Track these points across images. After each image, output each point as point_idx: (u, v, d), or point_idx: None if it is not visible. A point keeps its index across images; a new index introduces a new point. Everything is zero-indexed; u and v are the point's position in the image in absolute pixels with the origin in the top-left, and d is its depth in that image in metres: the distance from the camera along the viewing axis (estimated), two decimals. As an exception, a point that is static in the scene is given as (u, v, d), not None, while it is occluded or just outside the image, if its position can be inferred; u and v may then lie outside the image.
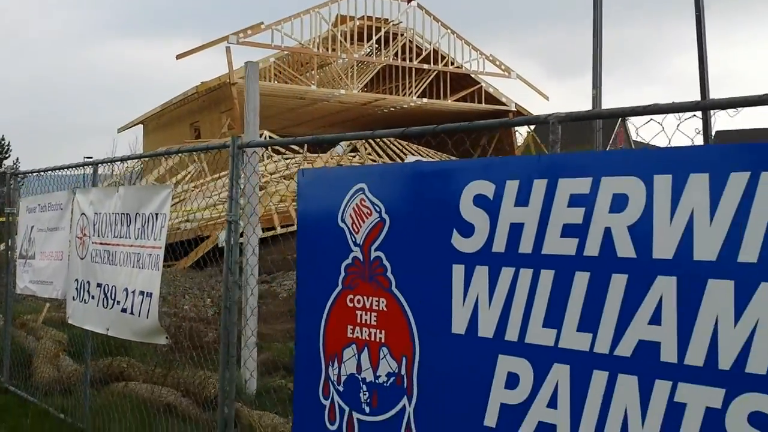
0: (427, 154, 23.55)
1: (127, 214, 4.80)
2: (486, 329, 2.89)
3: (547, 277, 2.73)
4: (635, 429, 2.48)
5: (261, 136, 26.44)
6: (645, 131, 3.00)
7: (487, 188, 2.91)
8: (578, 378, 2.63)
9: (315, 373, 3.54)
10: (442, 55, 32.08)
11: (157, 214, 4.47)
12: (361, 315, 3.34)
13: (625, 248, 2.54)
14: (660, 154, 2.55)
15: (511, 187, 2.84)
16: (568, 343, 2.66)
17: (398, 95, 31.94)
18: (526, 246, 2.79)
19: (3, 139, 38.67)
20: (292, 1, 31.13)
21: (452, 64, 32.27)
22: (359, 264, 3.35)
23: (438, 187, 3.08)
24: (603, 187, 2.60)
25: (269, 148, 25.83)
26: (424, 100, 32.00)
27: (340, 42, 30.13)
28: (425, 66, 31.75)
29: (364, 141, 21.13)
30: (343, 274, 3.42)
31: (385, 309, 3.25)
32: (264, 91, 29.46)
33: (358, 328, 3.36)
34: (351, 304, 3.39)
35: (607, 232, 2.58)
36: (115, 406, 5.75)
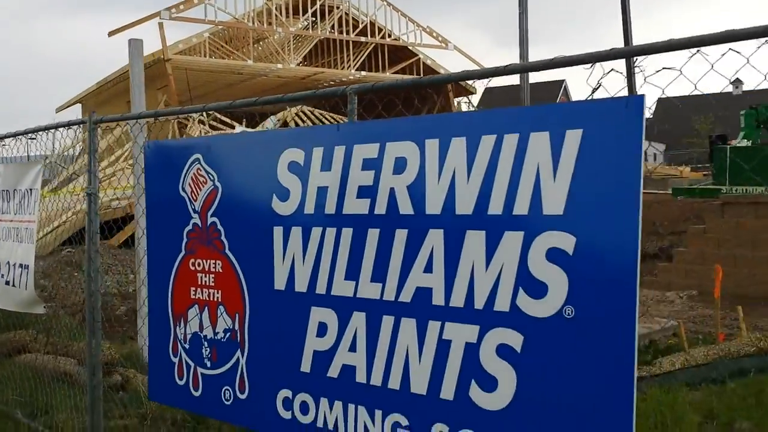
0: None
1: (6, 190, 4.98)
2: (301, 284, 3.18)
3: (347, 234, 3.03)
4: (414, 365, 2.80)
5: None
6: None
7: (298, 155, 3.18)
8: (372, 324, 2.95)
9: (165, 334, 3.80)
10: (379, 27, 32.19)
11: (31, 189, 4.66)
12: (201, 277, 3.61)
13: (405, 206, 2.84)
14: (430, 119, 2.87)
15: (317, 153, 3.12)
16: (363, 293, 2.97)
17: (337, 68, 32.01)
18: (330, 207, 3.08)
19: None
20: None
21: (389, 36, 32.42)
22: (198, 229, 3.60)
23: (260, 156, 3.35)
24: (388, 151, 2.90)
25: (207, 118, 25.84)
26: (363, 73, 32.14)
27: (276, 16, 30.04)
28: (362, 39, 31.84)
29: (295, 114, 21.29)
30: (185, 239, 3.68)
31: (220, 270, 3.52)
32: (200, 66, 29.46)
33: (199, 290, 3.63)
34: (192, 268, 3.65)
35: (392, 192, 2.88)
36: (14, 376, 5.94)
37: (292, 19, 30.94)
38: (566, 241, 2.43)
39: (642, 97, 2.35)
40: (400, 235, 2.86)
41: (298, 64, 32.20)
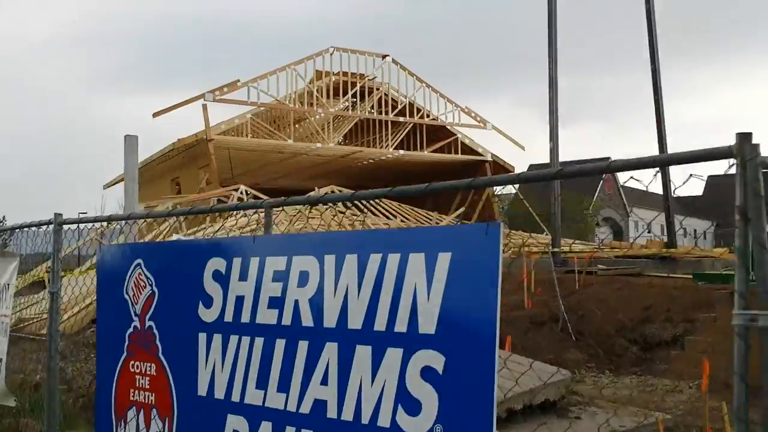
0: (392, 207, 23.88)
1: (-14, 284, 5.21)
2: (219, 391, 3.28)
3: (259, 343, 3.13)
4: (310, 477, 2.85)
5: (237, 190, 26.99)
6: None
7: (221, 264, 3.32)
8: (276, 433, 3.01)
9: None
10: (417, 107, 32.75)
11: (7, 285, 4.88)
12: (139, 379, 3.73)
13: (307, 318, 2.94)
14: (329, 236, 2.98)
15: (237, 263, 3.25)
16: (271, 402, 3.05)
17: (375, 147, 32.54)
18: (246, 316, 3.19)
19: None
20: (268, 59, 31.92)
21: (428, 116, 32.94)
22: (137, 332, 3.74)
23: (190, 263, 3.49)
24: (294, 264, 3.01)
25: (246, 201, 26.39)
26: (401, 151, 32.59)
27: (317, 97, 30.86)
28: (401, 119, 32.40)
29: (323, 192, 21.59)
30: (127, 341, 3.81)
31: (154, 374, 3.64)
32: (242, 146, 30.25)
33: (137, 392, 3.74)
34: (132, 369, 3.77)
35: (296, 304, 2.99)
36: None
37: (332, 101, 31.71)
38: (437, 360, 2.50)
39: (498, 224, 2.46)
40: (303, 347, 2.95)
41: (338, 144, 32.87)
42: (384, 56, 32.45)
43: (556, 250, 18.95)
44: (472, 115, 33.72)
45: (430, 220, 23.23)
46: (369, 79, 32.39)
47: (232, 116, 30.15)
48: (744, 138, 2.34)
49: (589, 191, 58.15)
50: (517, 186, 41.01)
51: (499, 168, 35.21)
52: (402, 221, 22.10)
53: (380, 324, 2.67)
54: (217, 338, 3.30)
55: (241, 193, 26.86)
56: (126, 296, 3.80)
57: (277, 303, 3.05)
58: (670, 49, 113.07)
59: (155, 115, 28.21)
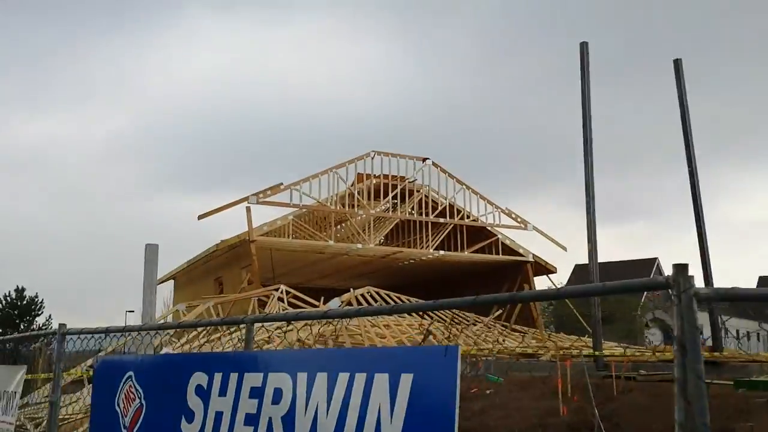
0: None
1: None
2: None
3: (236, 461, 3.11)
4: None
5: (277, 290, 27.15)
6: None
7: (203, 379, 3.35)
8: None
9: None
10: (458, 209, 32.96)
11: (15, 392, 4.96)
12: (126, 491, 3.71)
13: (281, 437, 2.93)
14: (303, 353, 3.00)
15: (217, 378, 3.28)
16: None
17: (416, 248, 32.65)
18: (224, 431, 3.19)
19: (36, 297, 40.27)
20: (311, 162, 32.74)
21: (468, 217, 33.08)
22: (127, 444, 3.75)
23: (175, 377, 3.53)
24: (269, 381, 3.03)
25: (286, 296, 26.55)
26: (442, 252, 32.63)
27: (358, 199, 31.32)
28: (441, 220, 32.59)
29: (360, 295, 21.64)
30: (117, 454, 3.82)
31: (141, 487, 3.62)
32: (283, 246, 30.62)
33: (124, 504, 3.72)
34: (121, 481, 3.76)
35: (270, 421, 2.99)
36: None
37: (373, 202, 32.13)
38: (398, 484, 2.46)
39: (456, 347, 2.47)
40: (275, 466, 2.92)
41: (378, 244, 33.10)
42: (424, 159, 32.96)
43: (596, 353, 18.53)
44: (513, 216, 33.77)
45: (468, 321, 22.98)
46: (409, 181, 32.84)
47: (274, 218, 30.71)
48: (680, 269, 2.34)
49: (637, 293, 56.95)
50: (559, 285, 40.51)
51: (541, 268, 34.96)
52: (438, 321, 21.91)
53: (352, 443, 2.65)
54: (198, 454, 3.29)
55: (281, 293, 27.06)
56: (117, 408, 3.83)
57: (252, 420, 3.06)
58: (720, 149, 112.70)
59: (200, 217, 28.87)
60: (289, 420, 2.90)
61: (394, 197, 32.51)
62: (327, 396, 2.77)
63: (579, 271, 61.66)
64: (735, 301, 2.49)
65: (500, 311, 25.32)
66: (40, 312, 39.84)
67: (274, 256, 30.71)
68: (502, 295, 3.04)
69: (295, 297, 27.25)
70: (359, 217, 32.34)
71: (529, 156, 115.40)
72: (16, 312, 39.29)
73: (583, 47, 21.24)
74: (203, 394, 3.33)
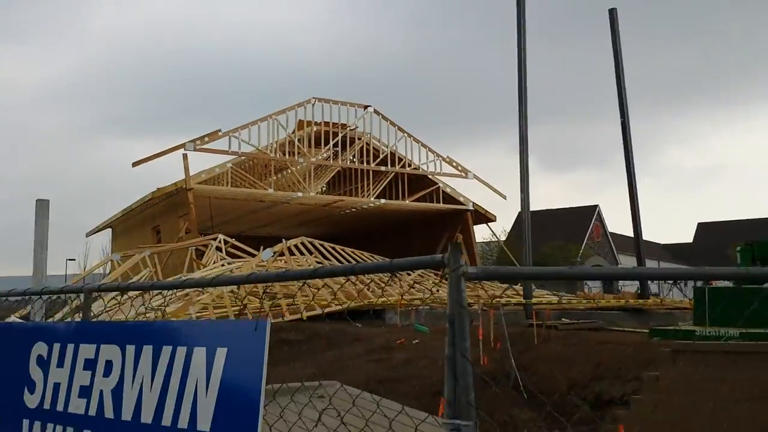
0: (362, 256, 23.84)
1: None
2: (36, 481, 3.20)
3: (70, 433, 3.06)
4: None
5: (216, 239, 26.94)
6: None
7: (43, 349, 3.27)
8: None
9: None
10: (399, 157, 32.92)
11: None
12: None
13: (109, 410, 2.88)
14: (131, 326, 2.93)
15: (56, 349, 3.20)
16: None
17: (358, 196, 32.62)
18: (60, 404, 3.13)
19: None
20: (249, 110, 32.22)
21: (409, 165, 33.09)
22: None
23: (19, 346, 3.44)
24: (102, 353, 2.97)
25: (225, 245, 26.38)
26: (383, 200, 32.65)
27: (298, 147, 31.03)
28: (383, 168, 32.54)
29: (294, 246, 21.59)
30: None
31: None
32: (222, 195, 30.31)
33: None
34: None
35: (101, 394, 2.93)
36: None
37: (314, 150, 31.88)
38: (209, 459, 2.44)
39: (266, 322, 2.44)
40: (103, 439, 2.88)
41: (319, 193, 32.98)
42: (366, 106, 32.73)
43: (524, 302, 18.88)
44: (454, 164, 33.88)
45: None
46: (351, 129, 32.62)
47: (212, 165, 30.28)
48: (453, 248, 2.33)
49: (577, 239, 58.16)
50: (502, 236, 41.06)
51: (481, 217, 35.29)
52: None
53: (167, 419, 2.63)
54: (37, 426, 3.24)
55: (219, 242, 26.85)
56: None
57: (86, 392, 3.00)
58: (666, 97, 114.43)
59: (135, 164, 28.30)
60: (117, 393, 2.85)
61: (335, 145, 32.30)
62: (152, 369, 2.72)
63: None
64: (503, 279, 2.51)
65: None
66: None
67: (213, 204, 30.36)
68: (384, 264, 3.02)
69: (234, 246, 27.09)
70: (300, 166, 32.09)
71: (475, 107, 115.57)
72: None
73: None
74: (43, 364, 3.26)
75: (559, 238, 54.16)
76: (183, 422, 2.55)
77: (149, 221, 33.00)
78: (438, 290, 22.45)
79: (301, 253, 21.38)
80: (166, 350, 2.67)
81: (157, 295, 17.71)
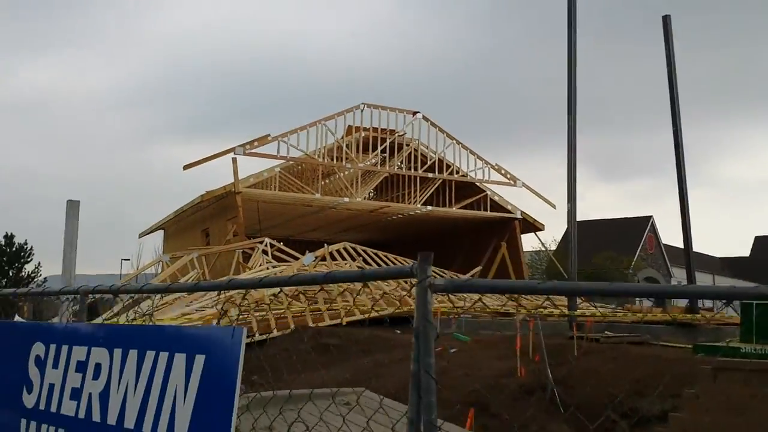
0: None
1: None
2: (31, 480, 3.20)
3: (61, 435, 3.05)
4: None
5: (262, 242, 27.12)
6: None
7: (41, 350, 3.28)
8: None
9: None
10: (447, 164, 32.78)
11: None
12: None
13: (96, 413, 2.87)
14: (119, 330, 2.91)
15: (52, 350, 3.21)
16: (65, 497, 2.96)
17: (404, 203, 32.56)
18: (54, 405, 3.13)
19: (26, 244, 40.32)
20: (300, 114, 32.44)
21: (457, 172, 32.92)
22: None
23: (18, 345, 3.46)
24: (92, 356, 2.95)
25: (271, 249, 26.58)
26: (430, 207, 32.54)
27: (346, 152, 31.12)
28: (430, 175, 32.44)
29: (331, 249, 21.60)
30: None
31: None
32: (269, 199, 30.55)
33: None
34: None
35: (90, 397, 2.92)
36: None
37: (361, 156, 31.95)
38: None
39: (242, 329, 2.40)
40: (92, 443, 2.87)
41: (367, 198, 33.02)
42: (414, 113, 32.67)
43: (567, 313, 18.54)
44: (503, 172, 33.59)
45: (444, 276, 22.94)
46: (399, 135, 32.60)
47: (261, 170, 30.56)
48: (423, 258, 2.24)
49: (630, 250, 57.08)
50: (552, 246, 40.46)
51: (529, 225, 34.89)
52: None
53: (147, 424, 2.59)
54: (32, 426, 3.24)
55: (266, 245, 27.06)
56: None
57: (76, 395, 3.00)
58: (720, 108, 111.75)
59: (186, 167, 28.72)
60: (104, 397, 2.84)
61: (383, 151, 32.29)
62: (136, 374, 2.70)
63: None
64: (471, 291, 2.40)
65: (479, 268, 25.32)
66: (29, 259, 39.98)
67: (261, 208, 30.64)
68: (355, 272, 2.95)
69: (279, 250, 27.27)
70: (347, 171, 32.18)
71: (525, 116, 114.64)
72: (5, 259, 39.40)
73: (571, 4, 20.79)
74: (40, 364, 3.28)
75: (611, 248, 53.21)
76: (162, 428, 2.52)
77: (199, 224, 33.47)
78: (480, 298, 22.22)
79: (343, 258, 21.41)
80: (150, 355, 2.65)
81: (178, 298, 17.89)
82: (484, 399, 11.32)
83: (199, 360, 2.47)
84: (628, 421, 10.97)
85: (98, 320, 15.82)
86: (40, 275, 39.78)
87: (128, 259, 49.38)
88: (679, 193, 21.73)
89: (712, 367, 9.42)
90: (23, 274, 39.73)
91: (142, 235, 39.39)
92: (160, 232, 40.05)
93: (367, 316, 16.97)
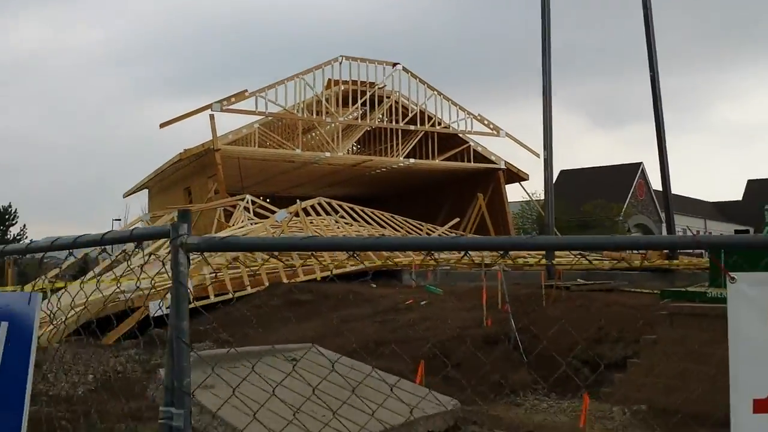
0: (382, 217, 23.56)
1: None
2: None
3: None
4: None
5: (243, 200, 26.92)
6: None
7: None
8: None
9: None
10: (429, 115, 32.46)
11: None
12: None
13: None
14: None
15: None
16: None
17: (387, 156, 32.33)
18: None
19: (10, 207, 40.14)
20: (277, 69, 31.95)
21: (439, 124, 32.62)
22: None
23: None
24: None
25: (252, 205, 26.42)
26: (412, 160, 32.31)
27: (325, 106, 30.77)
28: (412, 127, 32.14)
29: (304, 205, 21.47)
30: None
31: None
32: (249, 155, 30.27)
33: None
34: None
35: None
36: None
37: (342, 110, 31.59)
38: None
39: (37, 294, 2.28)
40: None
41: (349, 153, 32.76)
42: (394, 64, 32.24)
43: (543, 262, 18.46)
44: (485, 122, 33.29)
45: (421, 229, 22.88)
46: (379, 88, 32.22)
47: (240, 126, 30.24)
48: (180, 216, 2.07)
49: (621, 197, 56.95)
50: (539, 195, 40.26)
51: (514, 175, 34.70)
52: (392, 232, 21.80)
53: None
54: None
55: (247, 202, 26.88)
56: None
57: None
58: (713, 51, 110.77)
59: (162, 125, 28.42)
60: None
61: (364, 104, 31.94)
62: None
63: (565, 177, 61.44)
64: (226, 251, 2.24)
65: (457, 220, 25.20)
66: (14, 222, 39.82)
67: (242, 165, 30.38)
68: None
69: (261, 206, 27.10)
70: (328, 126, 31.86)
71: (507, 65, 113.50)
72: (-11, 221, 39.31)
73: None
74: None
75: (602, 196, 53.05)
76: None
77: (181, 182, 33.23)
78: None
79: (318, 214, 21.26)
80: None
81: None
82: (447, 350, 11.29)
83: (3, 327, 2.35)
84: (590, 368, 10.95)
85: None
86: (26, 237, 39.68)
87: (119, 220, 49.22)
88: (657, 137, 21.52)
89: (668, 313, 9.37)
90: (8, 236, 39.61)
91: (126, 195, 39.17)
92: (146, 192, 39.81)
93: (338, 272, 16.86)
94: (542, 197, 50.43)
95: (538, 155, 34.68)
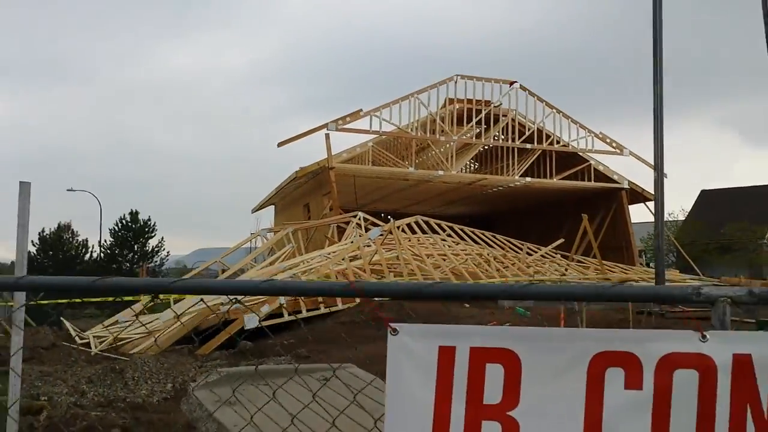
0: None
1: None
2: None
3: None
4: None
5: (356, 217, 27.36)
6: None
7: None
8: None
9: None
10: (546, 134, 31.78)
11: None
12: None
13: None
14: None
15: None
16: None
17: (502, 175, 31.89)
18: None
19: (149, 220, 42.54)
20: (391, 89, 32.29)
21: (558, 142, 31.85)
22: None
23: None
24: None
25: (365, 222, 26.76)
26: (528, 179, 31.71)
27: (440, 125, 30.76)
28: (528, 145, 31.58)
29: (399, 223, 21.41)
30: None
31: None
32: (363, 173, 30.74)
33: None
34: None
35: None
36: None
37: (456, 128, 31.48)
38: None
39: None
40: None
41: (463, 171, 32.57)
42: (512, 83, 31.81)
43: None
44: (608, 140, 32.20)
45: (520, 250, 22.33)
46: (495, 106, 31.88)
47: (354, 145, 30.75)
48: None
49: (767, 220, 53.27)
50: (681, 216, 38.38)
51: (638, 195, 33.31)
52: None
53: None
54: None
55: (359, 219, 27.25)
56: None
57: None
58: None
59: (280, 144, 29.38)
60: None
61: (479, 123, 31.69)
62: None
63: (705, 197, 58.25)
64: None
65: (561, 240, 24.42)
66: (152, 234, 42.18)
67: (357, 183, 30.89)
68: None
69: (373, 224, 27.39)
70: (446, 146, 31.82)
71: (634, 81, 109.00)
72: (131, 234, 41.78)
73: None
74: None
75: (746, 218, 49.88)
76: None
77: (301, 199, 34.19)
78: (567, 270, 21.48)
79: (414, 232, 21.21)
80: None
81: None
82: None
83: None
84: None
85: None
86: (164, 249, 41.99)
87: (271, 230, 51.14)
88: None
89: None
90: (147, 248, 42.01)
91: (254, 210, 40.71)
92: (271, 209, 41.21)
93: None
94: (676, 218, 48.21)
95: (665, 175, 33.24)
